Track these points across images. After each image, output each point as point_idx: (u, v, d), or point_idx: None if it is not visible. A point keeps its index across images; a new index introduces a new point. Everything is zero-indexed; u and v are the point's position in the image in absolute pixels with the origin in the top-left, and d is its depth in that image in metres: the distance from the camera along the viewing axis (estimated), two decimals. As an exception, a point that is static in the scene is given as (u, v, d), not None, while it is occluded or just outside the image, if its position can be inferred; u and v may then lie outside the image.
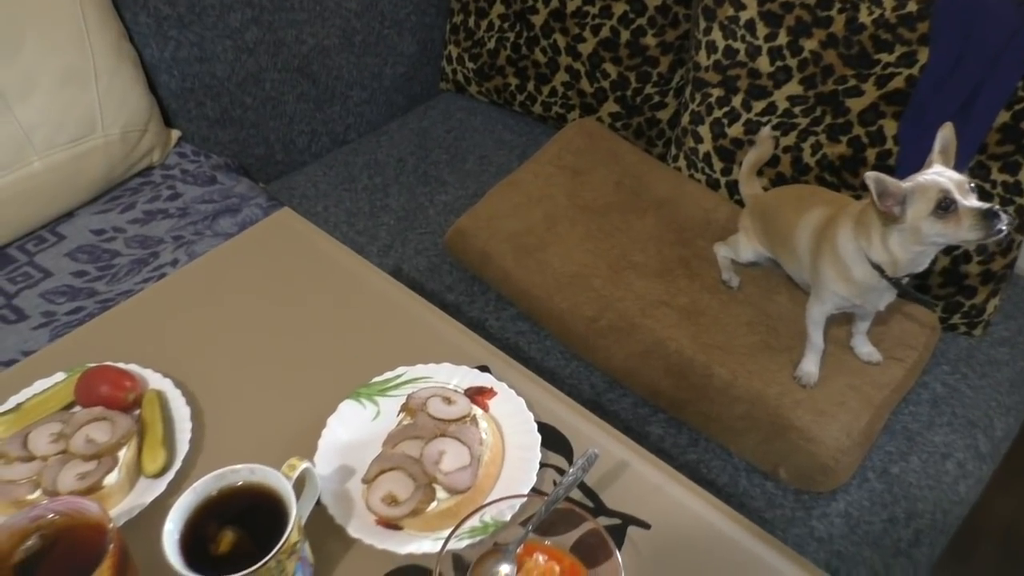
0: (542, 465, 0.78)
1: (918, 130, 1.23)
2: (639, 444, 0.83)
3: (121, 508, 0.75)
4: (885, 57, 1.23)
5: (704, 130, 1.44)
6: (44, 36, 1.26)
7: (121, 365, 0.86)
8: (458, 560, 0.65)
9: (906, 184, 0.94)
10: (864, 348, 1.18)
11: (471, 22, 1.78)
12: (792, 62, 1.31)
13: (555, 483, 0.78)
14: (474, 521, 0.65)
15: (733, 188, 1.43)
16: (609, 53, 1.60)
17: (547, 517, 0.66)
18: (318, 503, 0.73)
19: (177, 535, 0.62)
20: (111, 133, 1.35)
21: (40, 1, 1.26)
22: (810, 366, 1.14)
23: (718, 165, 1.45)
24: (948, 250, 1.24)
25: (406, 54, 1.83)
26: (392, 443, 0.78)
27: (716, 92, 1.40)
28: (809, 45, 1.29)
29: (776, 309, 1.26)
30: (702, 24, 1.39)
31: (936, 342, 1.23)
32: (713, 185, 1.47)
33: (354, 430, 0.82)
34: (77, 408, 0.83)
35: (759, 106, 1.36)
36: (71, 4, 1.28)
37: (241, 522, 0.64)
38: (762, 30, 1.32)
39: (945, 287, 1.28)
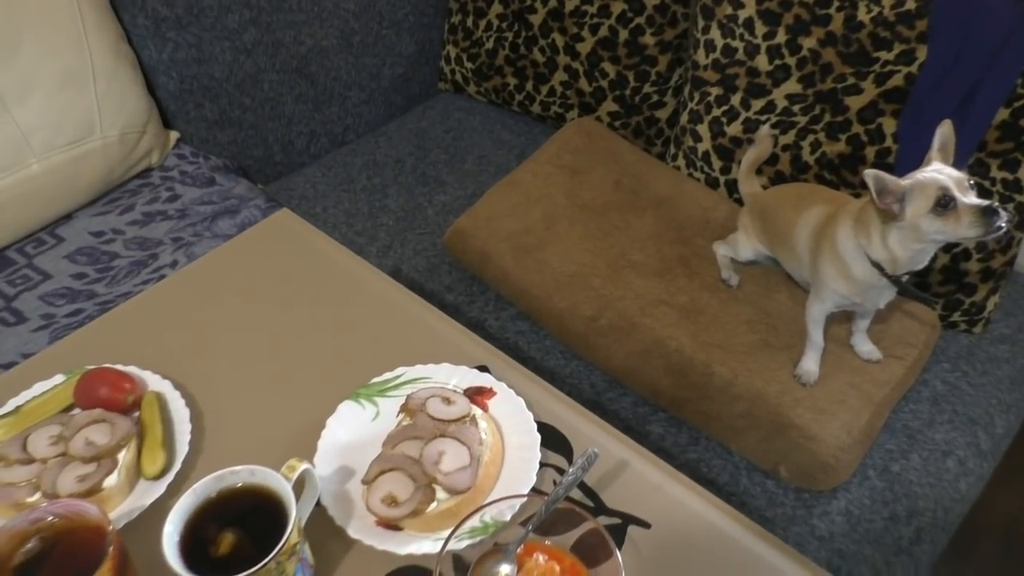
0: (542, 465, 0.78)
1: (917, 128, 1.23)
2: (639, 443, 0.83)
3: (121, 510, 0.75)
4: (884, 55, 1.23)
5: (703, 129, 1.44)
6: (42, 38, 1.26)
7: (120, 367, 0.86)
8: (458, 560, 0.65)
9: (905, 181, 0.94)
10: (864, 346, 1.18)
11: (469, 22, 1.78)
12: (791, 60, 1.31)
13: (555, 483, 0.78)
14: (474, 521, 0.65)
15: (732, 187, 1.43)
16: (607, 52, 1.60)
17: (547, 517, 0.66)
18: (318, 504, 0.73)
19: (177, 537, 0.62)
20: (109, 135, 1.35)
21: (38, 3, 1.26)
22: (810, 364, 1.14)
23: (717, 164, 1.45)
24: (948, 248, 1.24)
25: (404, 54, 1.83)
26: (392, 444, 0.78)
27: (715, 91, 1.40)
28: (808, 43, 1.28)
29: (776, 307, 1.26)
30: (700, 23, 1.39)
31: (936, 340, 1.23)
32: (712, 184, 1.47)
33: (354, 431, 0.82)
34: (76, 410, 0.83)
35: (758, 104, 1.36)
36: (69, 6, 1.28)
37: (241, 524, 0.64)
38: (760, 28, 1.32)
39: (945, 285, 1.28)
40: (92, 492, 0.73)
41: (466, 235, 1.39)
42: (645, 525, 0.75)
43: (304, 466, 0.68)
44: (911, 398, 1.23)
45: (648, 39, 1.56)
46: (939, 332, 1.24)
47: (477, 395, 0.84)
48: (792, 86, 1.32)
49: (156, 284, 1.05)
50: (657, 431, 1.19)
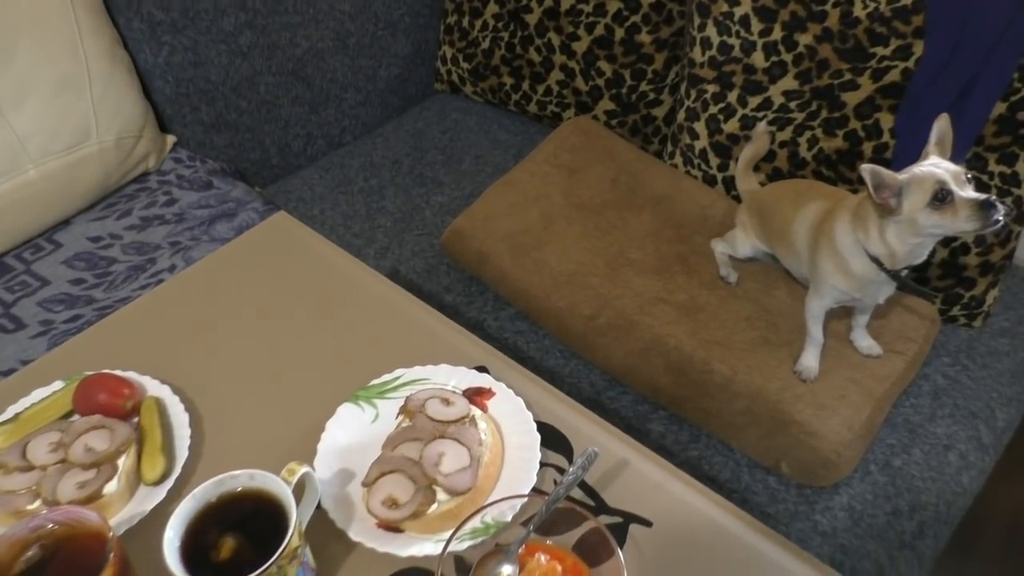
0: (542, 465, 0.78)
1: (914, 123, 1.22)
2: (640, 442, 0.83)
3: (121, 516, 0.75)
4: (880, 50, 1.23)
5: (700, 126, 1.43)
6: (37, 44, 1.25)
7: (119, 372, 0.86)
8: (460, 561, 0.65)
9: (902, 176, 0.94)
10: (864, 341, 1.17)
11: (465, 22, 1.78)
12: (787, 57, 1.30)
13: (556, 482, 0.78)
14: (475, 522, 0.64)
15: (730, 184, 1.43)
16: (604, 51, 1.60)
17: (548, 517, 0.66)
18: (318, 507, 0.73)
19: (178, 543, 0.62)
20: (106, 140, 1.35)
21: (33, 9, 1.26)
22: (810, 360, 1.14)
23: (714, 161, 1.45)
24: (946, 242, 1.24)
25: (400, 55, 1.83)
26: (391, 446, 0.78)
27: (711, 88, 1.40)
28: (804, 40, 1.28)
29: (775, 304, 1.25)
30: (696, 20, 1.39)
31: (936, 334, 1.23)
32: (709, 181, 1.47)
33: (353, 433, 0.82)
34: (76, 417, 0.83)
35: (755, 101, 1.36)
36: (64, 11, 1.28)
37: (242, 528, 0.64)
38: (756, 25, 1.32)
39: (944, 279, 1.28)
40: (92, 499, 0.73)
41: (464, 235, 1.39)
42: (647, 524, 0.75)
43: (304, 469, 0.68)
44: (912, 393, 1.23)
45: (644, 37, 1.56)
46: (939, 326, 1.24)
47: (476, 396, 0.84)
48: (789, 83, 1.32)
49: (154, 289, 1.05)
50: (657, 429, 1.19)
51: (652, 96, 1.61)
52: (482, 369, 0.88)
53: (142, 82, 1.44)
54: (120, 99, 1.36)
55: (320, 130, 1.76)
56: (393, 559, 0.71)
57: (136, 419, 0.83)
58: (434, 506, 0.73)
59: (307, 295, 1.00)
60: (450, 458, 0.75)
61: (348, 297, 0.99)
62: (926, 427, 1.18)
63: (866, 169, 0.92)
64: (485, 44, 1.76)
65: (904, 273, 1.03)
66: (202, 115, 1.56)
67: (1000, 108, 1.16)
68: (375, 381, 0.87)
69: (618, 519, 0.75)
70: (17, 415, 0.83)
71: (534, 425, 0.80)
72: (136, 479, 0.78)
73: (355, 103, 1.79)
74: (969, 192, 0.91)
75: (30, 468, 0.76)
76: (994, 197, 0.89)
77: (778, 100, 1.33)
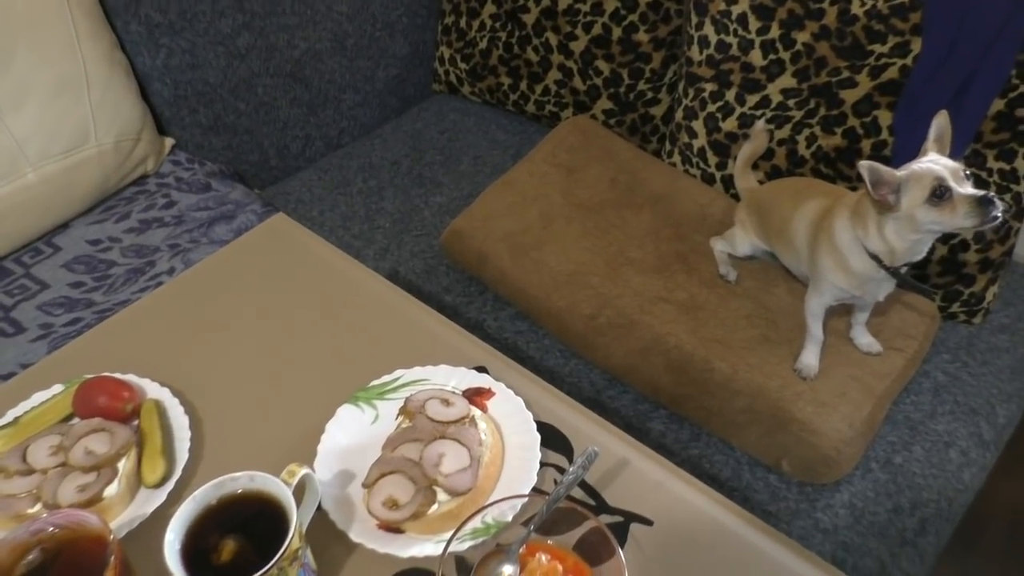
0: (542, 464, 0.78)
1: (913, 120, 1.22)
2: (640, 441, 0.83)
3: (122, 519, 0.75)
4: (878, 48, 1.23)
5: (698, 125, 1.43)
6: (35, 47, 1.25)
7: (119, 375, 0.86)
8: (461, 562, 0.65)
9: (901, 172, 0.94)
10: (864, 339, 1.17)
11: (462, 23, 1.78)
12: (785, 55, 1.30)
13: (556, 482, 0.78)
14: (476, 522, 0.64)
15: (728, 182, 1.43)
16: (601, 50, 1.60)
17: (549, 516, 0.66)
18: (319, 509, 0.73)
19: (178, 545, 0.62)
20: (104, 143, 1.35)
21: (31, 12, 1.26)
22: (810, 358, 1.14)
23: (713, 160, 1.45)
24: (946, 239, 1.24)
25: (398, 56, 1.83)
26: (391, 446, 0.78)
27: (709, 87, 1.40)
28: (802, 38, 1.28)
29: (775, 302, 1.25)
30: (694, 19, 1.39)
31: (936, 331, 1.23)
32: (708, 180, 1.47)
33: (353, 434, 0.82)
34: (76, 420, 0.83)
35: (753, 100, 1.36)
36: (62, 14, 1.28)
37: (242, 530, 0.64)
38: (754, 24, 1.32)
39: (944, 276, 1.28)
40: (93, 502, 0.73)
41: (463, 236, 1.38)
42: (647, 523, 0.75)
43: (304, 471, 0.68)
44: (912, 390, 1.22)
45: (642, 36, 1.56)
46: (939, 323, 1.24)
47: (476, 396, 0.84)
48: (787, 80, 1.32)
49: (153, 291, 1.05)
50: (658, 428, 1.19)
51: (650, 95, 1.61)
52: (482, 369, 0.88)
53: (140, 85, 1.44)
54: (118, 102, 1.36)
55: (318, 131, 1.76)
56: (394, 560, 0.71)
57: (136, 422, 0.83)
58: (434, 507, 0.73)
59: (307, 297, 1.00)
60: (450, 458, 0.75)
61: (348, 298, 0.99)
62: (927, 424, 1.18)
63: (864, 166, 0.92)
64: (483, 44, 1.76)
65: (904, 270, 1.03)
66: (200, 117, 1.56)
67: (998, 104, 1.16)
68: (375, 382, 0.86)
69: (619, 518, 0.75)
70: (17, 419, 0.83)
71: (534, 425, 0.80)
72: (136, 482, 0.78)
73: (353, 104, 1.79)
74: (967, 188, 0.91)
75: (30, 472, 0.76)
76: (992, 193, 0.89)
77: (776, 98, 1.33)
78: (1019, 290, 1.40)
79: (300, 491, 0.70)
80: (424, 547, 0.71)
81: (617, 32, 1.57)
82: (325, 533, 0.73)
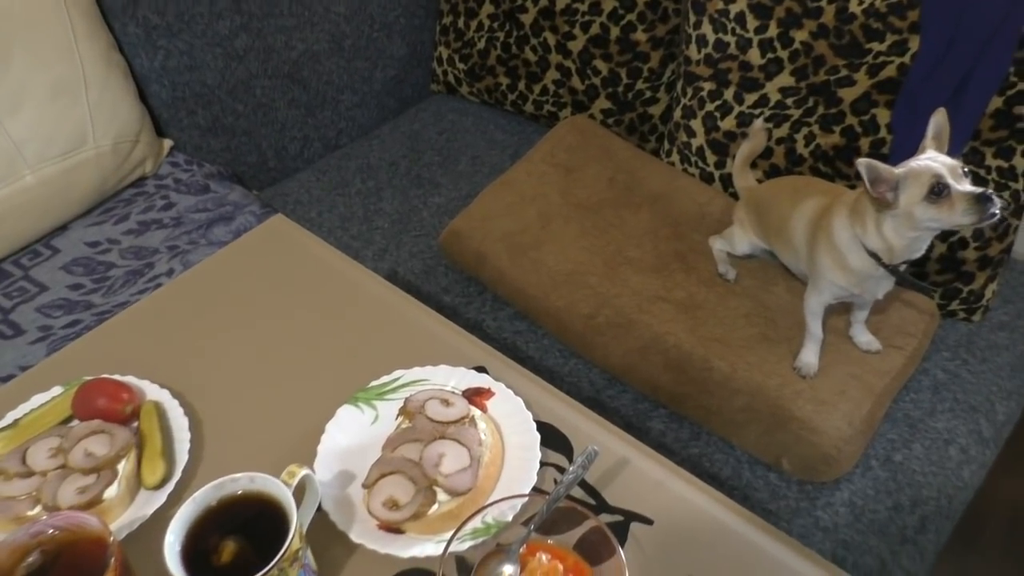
0: (542, 464, 0.78)
1: (911, 118, 1.22)
2: (640, 440, 0.83)
3: (122, 521, 0.75)
4: (876, 46, 1.23)
5: (696, 124, 1.43)
6: (32, 49, 1.25)
7: (118, 377, 0.86)
8: (461, 562, 0.65)
9: (899, 170, 0.94)
10: (863, 337, 1.17)
11: (460, 23, 1.78)
12: (783, 54, 1.30)
13: (556, 482, 0.78)
14: (476, 522, 0.64)
15: (727, 181, 1.43)
16: (599, 50, 1.60)
17: (549, 516, 0.66)
18: (319, 509, 0.73)
19: (178, 547, 0.62)
20: (103, 145, 1.34)
21: (28, 14, 1.26)
22: (809, 356, 1.14)
23: (711, 159, 1.45)
24: (945, 236, 1.24)
25: (396, 57, 1.82)
26: (391, 447, 0.78)
27: (707, 86, 1.40)
28: (800, 36, 1.28)
29: (774, 300, 1.25)
30: (692, 18, 1.39)
31: (935, 329, 1.23)
32: (707, 179, 1.47)
33: (353, 435, 0.82)
34: (75, 422, 0.83)
35: (751, 98, 1.36)
36: (59, 16, 1.28)
37: (242, 531, 0.64)
38: (752, 22, 1.32)
39: (943, 273, 1.28)
40: (92, 504, 0.73)
41: (461, 236, 1.38)
42: (648, 522, 0.75)
43: (304, 472, 0.68)
44: (911, 387, 1.23)
45: (640, 35, 1.56)
46: (938, 321, 1.24)
47: (476, 396, 0.84)
48: (785, 79, 1.32)
49: (152, 293, 1.05)
50: (658, 427, 1.19)
51: (648, 94, 1.61)
52: (481, 369, 0.88)
53: (138, 86, 1.44)
54: (116, 104, 1.36)
55: (317, 132, 1.76)
56: (394, 560, 0.71)
57: (136, 423, 0.83)
58: (435, 507, 0.73)
59: (306, 298, 1.00)
60: (450, 459, 0.75)
61: (346, 299, 0.99)
62: (926, 422, 1.18)
63: (862, 163, 0.92)
64: (481, 44, 1.76)
65: (903, 268, 1.03)
66: (198, 119, 1.56)
67: (996, 102, 1.16)
68: (374, 383, 0.86)
69: (619, 518, 0.75)
70: (16, 421, 0.83)
71: (534, 425, 0.80)
72: (136, 483, 0.78)
73: (351, 105, 1.79)
74: (965, 185, 0.91)
75: (30, 474, 0.76)
76: (990, 191, 0.89)
77: (774, 97, 1.33)
78: (1018, 287, 1.41)
79: (300, 492, 0.70)
80: (424, 547, 0.71)
81: (615, 31, 1.57)
82: (325, 534, 0.73)
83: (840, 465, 1.07)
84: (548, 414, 0.84)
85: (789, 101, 1.32)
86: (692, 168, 1.48)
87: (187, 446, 0.81)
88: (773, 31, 1.30)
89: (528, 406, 0.82)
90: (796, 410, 1.10)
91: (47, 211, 1.32)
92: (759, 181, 1.35)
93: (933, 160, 0.93)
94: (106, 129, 1.34)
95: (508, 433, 0.81)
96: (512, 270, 1.32)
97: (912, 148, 0.99)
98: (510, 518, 0.66)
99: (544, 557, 0.65)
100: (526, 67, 1.72)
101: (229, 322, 0.97)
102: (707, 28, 1.36)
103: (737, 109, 1.38)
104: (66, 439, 0.78)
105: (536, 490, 0.76)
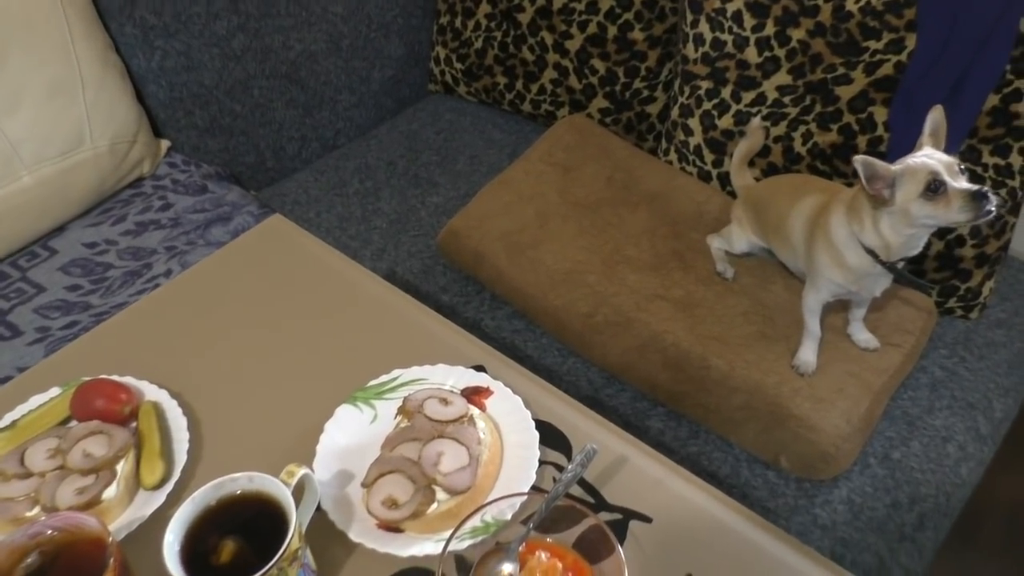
0: (541, 463, 0.78)
1: (908, 116, 1.23)
2: (638, 438, 0.83)
3: (121, 522, 0.75)
4: (873, 44, 1.23)
5: (694, 123, 1.44)
6: (29, 49, 1.25)
7: (116, 378, 0.86)
8: (460, 561, 0.65)
9: (895, 167, 0.94)
10: (861, 335, 1.18)
11: (458, 22, 1.78)
12: (780, 52, 1.31)
13: (555, 480, 0.78)
14: (475, 521, 0.64)
15: (725, 180, 1.43)
16: (597, 49, 1.60)
17: (548, 514, 0.66)
18: (318, 509, 0.73)
19: (178, 547, 0.62)
20: (100, 145, 1.34)
21: (24, 14, 1.25)
22: (808, 354, 1.14)
23: (709, 157, 1.45)
24: (942, 234, 1.24)
25: (393, 57, 1.82)
26: (390, 446, 0.78)
27: (705, 84, 1.40)
28: (797, 34, 1.28)
29: (772, 298, 1.26)
30: (689, 17, 1.39)
31: (933, 326, 1.23)
32: (704, 177, 1.47)
33: (352, 434, 0.82)
34: (73, 423, 0.82)
35: (748, 97, 1.36)
36: (56, 16, 1.28)
37: (242, 531, 0.64)
38: (749, 21, 1.32)
39: (940, 271, 1.29)
40: (91, 504, 0.73)
41: (460, 235, 1.38)
42: (647, 520, 0.75)
43: (303, 471, 0.68)
44: (909, 385, 1.23)
45: (637, 34, 1.56)
46: (936, 318, 1.24)
47: (474, 395, 0.84)
48: (782, 77, 1.32)
49: (150, 293, 1.05)
50: (656, 426, 1.19)
51: (646, 93, 1.61)
52: (480, 368, 0.88)
53: (135, 87, 1.44)
54: (113, 104, 1.36)
55: (314, 133, 1.76)
56: (394, 559, 0.71)
57: (134, 424, 0.83)
58: (434, 506, 0.73)
59: (304, 298, 1.00)
60: (449, 457, 0.75)
61: (345, 299, 0.99)
62: (924, 419, 1.19)
63: (859, 160, 0.92)
64: (478, 44, 1.76)
65: (900, 265, 1.03)
66: (196, 119, 1.55)
67: (993, 100, 1.17)
68: (373, 382, 0.86)
69: (618, 516, 0.75)
70: (15, 422, 0.82)
71: (532, 423, 0.81)
72: (135, 484, 0.78)
73: (349, 105, 1.79)
74: (962, 183, 0.91)
75: (28, 475, 0.76)
76: (987, 188, 0.89)
77: (772, 95, 1.34)
78: (1015, 285, 1.41)
79: (299, 491, 0.70)
80: (424, 546, 0.71)
81: (612, 30, 1.57)
82: (324, 533, 0.73)
83: (838, 463, 1.08)
84: (547, 413, 0.84)
85: (786, 99, 1.32)
86: (690, 167, 1.49)
87: (186, 446, 0.81)
88: (770, 29, 1.30)
89: (527, 405, 0.82)
90: (794, 408, 1.10)
91: (44, 212, 1.32)
92: (757, 179, 1.36)
93: (930, 157, 0.93)
94: (103, 130, 1.34)
95: (507, 432, 0.81)
96: (510, 269, 1.32)
97: (909, 146, 0.99)
98: (509, 517, 0.66)
99: (543, 555, 0.65)
100: (523, 66, 1.72)
101: (227, 322, 0.97)
102: (704, 27, 1.36)
103: (734, 108, 1.38)
104: (64, 440, 0.78)
105: (535, 488, 0.76)
